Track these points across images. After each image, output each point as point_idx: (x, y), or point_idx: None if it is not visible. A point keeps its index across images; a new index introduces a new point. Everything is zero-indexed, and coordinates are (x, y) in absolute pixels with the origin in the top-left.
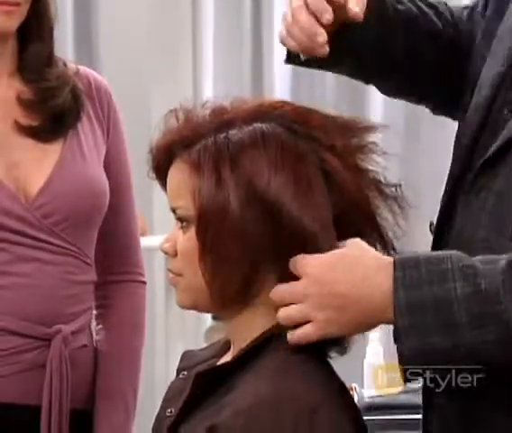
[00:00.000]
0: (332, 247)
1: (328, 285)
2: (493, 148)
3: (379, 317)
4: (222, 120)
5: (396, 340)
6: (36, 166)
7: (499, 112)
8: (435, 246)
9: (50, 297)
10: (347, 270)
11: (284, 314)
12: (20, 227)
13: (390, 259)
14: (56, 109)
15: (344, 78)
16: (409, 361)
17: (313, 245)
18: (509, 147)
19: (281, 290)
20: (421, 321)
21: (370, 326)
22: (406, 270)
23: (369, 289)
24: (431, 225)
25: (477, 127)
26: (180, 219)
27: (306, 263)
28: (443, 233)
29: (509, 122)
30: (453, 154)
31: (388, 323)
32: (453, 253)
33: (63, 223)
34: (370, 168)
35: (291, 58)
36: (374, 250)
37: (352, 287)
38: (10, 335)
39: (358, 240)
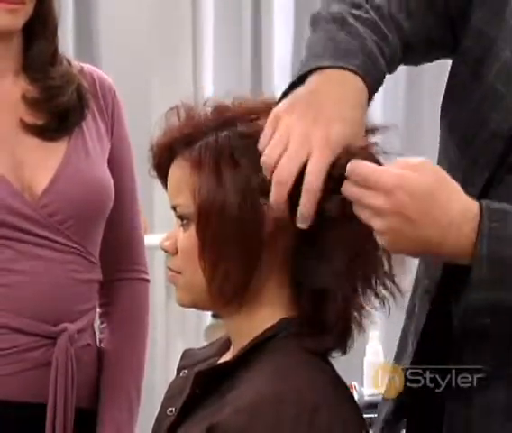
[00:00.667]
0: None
1: (413, 224)
2: None
3: (452, 257)
4: (223, 118)
5: (467, 289)
6: (41, 164)
7: None
8: None
9: (55, 295)
10: (435, 210)
11: (359, 208)
12: (25, 225)
13: (477, 205)
14: (61, 108)
15: None
16: (476, 310)
17: (311, 242)
18: None
19: (361, 193)
20: (500, 277)
21: (435, 256)
22: (493, 221)
23: (451, 227)
24: None
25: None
26: (181, 217)
27: (397, 183)
28: None
29: None
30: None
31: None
32: None
33: (68, 221)
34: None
35: None
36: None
37: (436, 229)
38: (16, 333)
39: (437, 169)
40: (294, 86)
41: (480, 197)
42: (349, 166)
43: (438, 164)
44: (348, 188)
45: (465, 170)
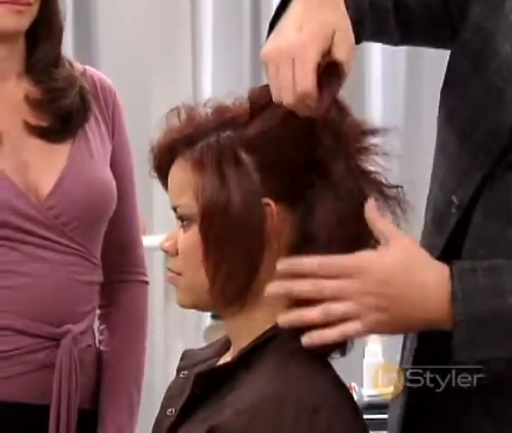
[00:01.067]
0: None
1: (388, 288)
2: None
3: (435, 326)
4: (224, 118)
5: (452, 354)
6: (46, 166)
7: None
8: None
9: (58, 297)
10: (407, 279)
11: (324, 310)
12: (31, 227)
13: (447, 271)
14: (64, 110)
15: (344, 87)
16: (464, 364)
17: (313, 245)
18: None
19: (327, 285)
20: (479, 335)
21: (419, 330)
22: (464, 283)
23: (426, 301)
24: None
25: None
26: (181, 218)
27: (362, 264)
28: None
29: None
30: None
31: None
32: (505, 263)
33: (73, 223)
34: (372, 169)
35: None
36: (428, 256)
37: (410, 294)
38: (20, 335)
39: (407, 243)
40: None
41: (477, 191)
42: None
43: (435, 161)
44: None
45: (465, 165)
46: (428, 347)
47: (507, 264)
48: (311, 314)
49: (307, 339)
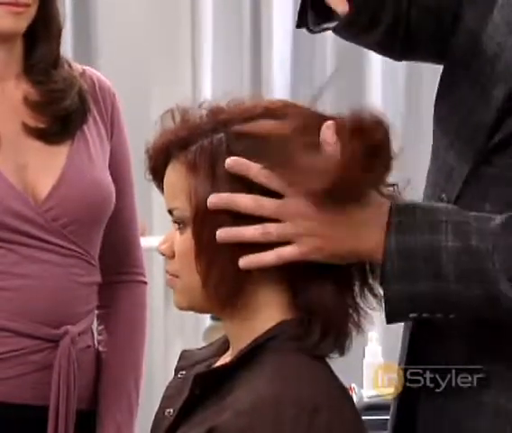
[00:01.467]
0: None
1: (326, 214)
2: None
3: (367, 256)
4: (218, 120)
5: (382, 284)
6: (44, 168)
7: None
8: None
9: (57, 298)
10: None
11: (263, 227)
12: (29, 229)
13: (388, 204)
14: (63, 111)
15: (343, 82)
16: (395, 305)
17: None
18: None
19: (266, 202)
20: (409, 267)
21: (354, 260)
22: (401, 216)
23: (364, 227)
24: None
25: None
26: (177, 220)
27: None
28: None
29: None
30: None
31: (372, 262)
32: (451, 207)
33: (71, 225)
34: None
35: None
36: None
37: (348, 222)
38: (18, 336)
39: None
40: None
41: (464, 185)
42: None
43: (429, 166)
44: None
45: (452, 163)
46: (421, 344)
47: (446, 208)
48: (251, 230)
49: (244, 262)
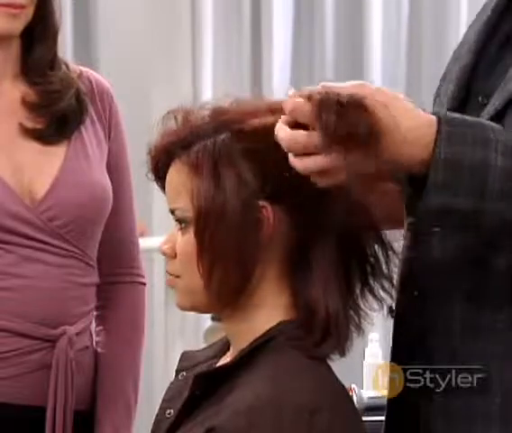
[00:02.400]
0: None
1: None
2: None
3: (413, 166)
4: (221, 121)
5: (419, 194)
6: (41, 169)
7: (471, 101)
8: None
9: (54, 298)
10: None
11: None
12: (25, 230)
13: (434, 117)
14: (60, 112)
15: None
16: (426, 216)
17: (308, 243)
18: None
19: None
20: (453, 179)
21: (397, 169)
22: (451, 126)
23: (410, 143)
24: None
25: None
26: (179, 221)
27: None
28: None
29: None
30: None
31: (414, 173)
32: (496, 125)
33: (68, 226)
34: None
35: None
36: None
37: (395, 134)
38: (16, 336)
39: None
40: None
41: None
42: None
43: None
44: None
45: None
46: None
47: (492, 126)
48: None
49: (296, 163)
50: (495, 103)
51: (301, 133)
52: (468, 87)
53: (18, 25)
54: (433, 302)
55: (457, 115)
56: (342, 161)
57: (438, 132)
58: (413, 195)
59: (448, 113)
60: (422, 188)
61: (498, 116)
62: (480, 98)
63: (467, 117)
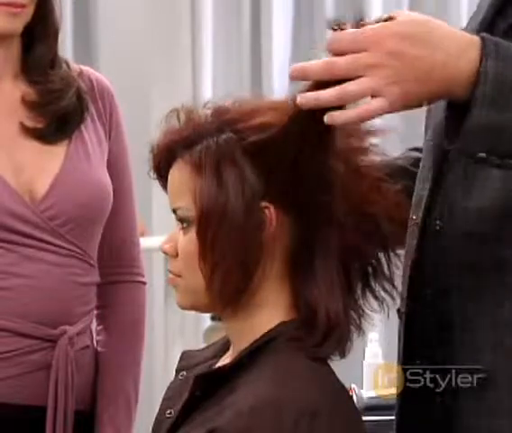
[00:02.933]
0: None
1: (408, 57)
2: None
3: (460, 85)
4: (223, 120)
5: (466, 110)
6: (41, 168)
7: None
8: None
9: (55, 298)
10: (430, 39)
11: (340, 88)
12: (26, 229)
13: (475, 36)
14: (60, 111)
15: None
16: (474, 136)
17: (310, 244)
18: None
19: (338, 62)
20: (502, 94)
21: (443, 95)
22: (496, 45)
23: (455, 57)
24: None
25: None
26: (181, 220)
27: (374, 34)
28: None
29: None
30: (424, 151)
31: (462, 93)
32: None
33: (68, 225)
34: (372, 169)
35: None
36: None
37: (436, 54)
38: (16, 336)
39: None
40: None
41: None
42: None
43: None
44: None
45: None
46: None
47: None
48: (327, 93)
49: (329, 118)
50: None
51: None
52: None
53: (18, 24)
54: (449, 298)
55: (498, 38)
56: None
57: (483, 47)
58: (456, 119)
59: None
60: (466, 112)
61: None
62: None
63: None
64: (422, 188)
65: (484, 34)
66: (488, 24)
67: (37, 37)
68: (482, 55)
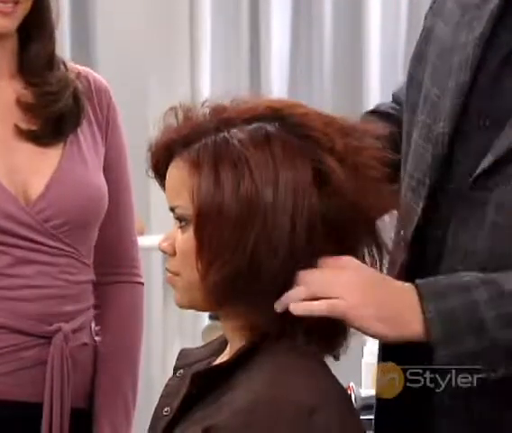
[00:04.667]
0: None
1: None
2: (488, 160)
3: (407, 332)
4: (222, 119)
5: (429, 348)
6: (36, 170)
7: (470, 121)
8: (415, 251)
9: (49, 296)
10: (375, 291)
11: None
12: (21, 231)
13: (411, 286)
14: (56, 113)
15: (343, 87)
16: (443, 362)
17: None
18: (507, 159)
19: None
20: (453, 328)
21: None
22: (429, 286)
23: (398, 305)
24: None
25: (449, 137)
26: (179, 218)
27: (332, 284)
28: (425, 240)
29: (493, 132)
30: (415, 158)
31: (414, 336)
32: (467, 273)
33: (63, 226)
34: (370, 169)
35: None
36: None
37: (381, 306)
38: (10, 332)
39: (355, 260)
40: None
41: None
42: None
43: None
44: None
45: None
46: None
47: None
48: (318, 306)
49: (293, 307)
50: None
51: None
52: (466, 105)
53: (12, 24)
54: None
55: (428, 278)
56: None
57: (420, 294)
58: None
59: (419, 281)
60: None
61: None
62: (481, 121)
63: (437, 277)
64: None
65: (415, 281)
66: (489, 37)
67: (33, 36)
68: (420, 299)
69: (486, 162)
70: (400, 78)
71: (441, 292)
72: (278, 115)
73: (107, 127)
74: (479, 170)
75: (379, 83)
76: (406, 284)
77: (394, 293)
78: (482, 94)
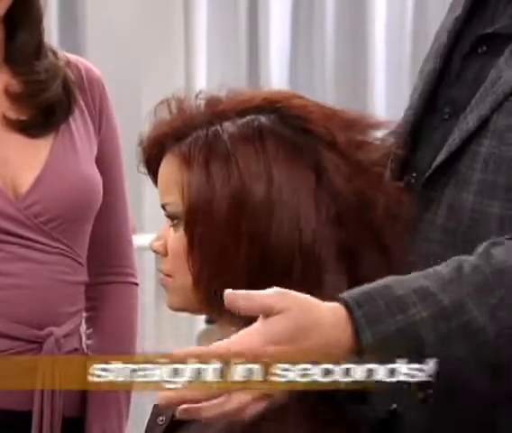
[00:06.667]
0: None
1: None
2: (441, 158)
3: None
4: (215, 112)
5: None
6: (26, 162)
7: (437, 112)
8: None
9: (41, 297)
10: (304, 337)
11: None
12: (9, 226)
13: (339, 306)
14: (46, 103)
15: (344, 73)
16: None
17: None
18: (459, 156)
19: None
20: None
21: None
22: (363, 307)
23: (332, 343)
24: None
25: (412, 126)
26: (170, 216)
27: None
28: None
29: (451, 125)
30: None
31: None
32: (395, 278)
33: (54, 221)
34: (375, 165)
35: None
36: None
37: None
38: (0, 338)
39: (286, 292)
40: None
41: None
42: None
43: None
44: None
45: None
46: None
47: (396, 280)
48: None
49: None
50: (468, 122)
51: None
52: (435, 93)
53: None
54: None
55: (359, 292)
56: None
57: (353, 320)
58: None
59: (349, 295)
60: None
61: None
62: (444, 112)
63: (368, 288)
64: None
65: (346, 298)
66: (460, 28)
67: (20, 24)
68: (355, 330)
69: (438, 159)
70: (404, 75)
71: (376, 316)
72: (274, 107)
73: (100, 119)
74: (432, 168)
75: (384, 80)
76: (337, 317)
77: (321, 338)
78: (448, 83)
